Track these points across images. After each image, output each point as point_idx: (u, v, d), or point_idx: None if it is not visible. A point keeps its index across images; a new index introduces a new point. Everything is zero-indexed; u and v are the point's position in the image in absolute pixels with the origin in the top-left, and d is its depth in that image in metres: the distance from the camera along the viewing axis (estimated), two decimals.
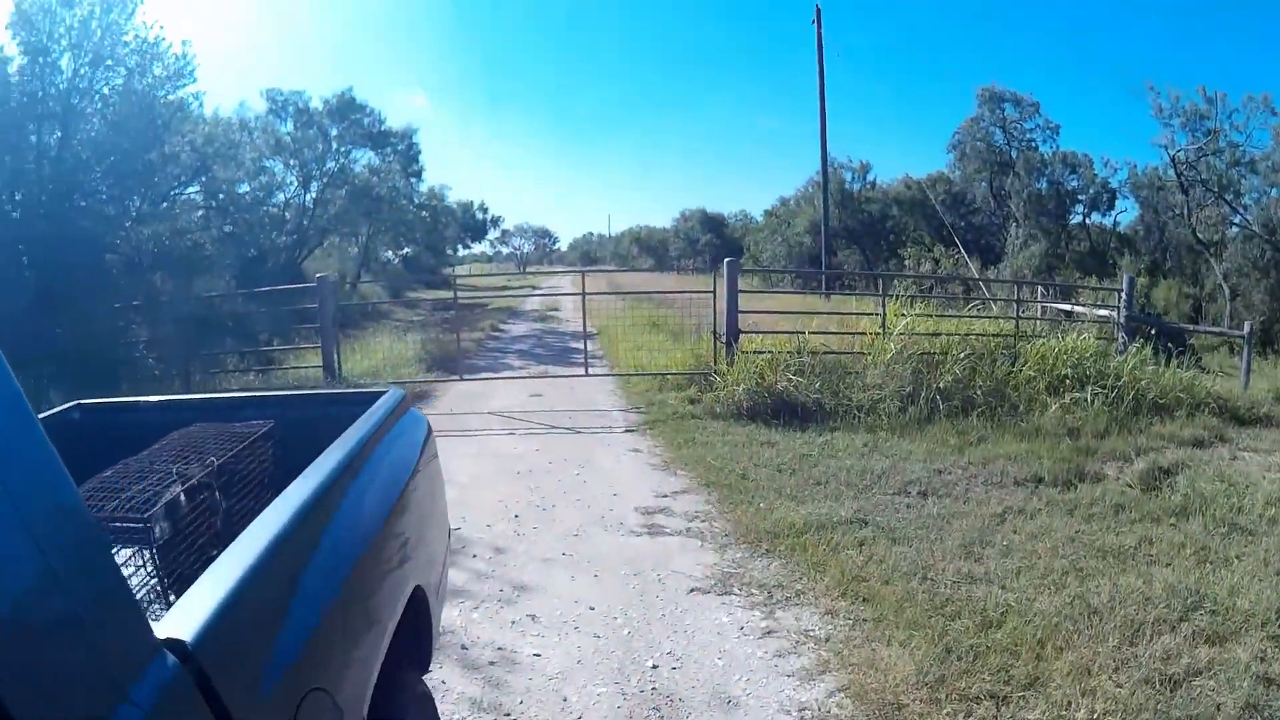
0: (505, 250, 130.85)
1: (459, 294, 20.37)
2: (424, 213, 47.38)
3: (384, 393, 4.14)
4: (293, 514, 2.46)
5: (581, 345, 16.57)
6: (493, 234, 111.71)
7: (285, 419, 3.99)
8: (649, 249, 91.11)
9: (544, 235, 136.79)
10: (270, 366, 16.11)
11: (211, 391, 13.96)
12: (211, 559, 2.29)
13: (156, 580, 2.86)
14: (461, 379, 15.64)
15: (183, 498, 3.06)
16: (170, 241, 17.14)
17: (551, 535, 7.81)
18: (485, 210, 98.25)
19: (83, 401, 4.23)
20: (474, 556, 7.30)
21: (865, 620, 5.73)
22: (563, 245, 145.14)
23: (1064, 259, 43.07)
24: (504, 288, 48.86)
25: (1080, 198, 47.72)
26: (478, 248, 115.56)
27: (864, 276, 35.77)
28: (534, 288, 49.69)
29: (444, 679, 5.22)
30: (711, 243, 77.22)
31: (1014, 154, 47.89)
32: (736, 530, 7.62)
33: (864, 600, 6.01)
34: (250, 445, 3.58)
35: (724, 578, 6.57)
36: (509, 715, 4.83)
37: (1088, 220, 48.13)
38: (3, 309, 12.87)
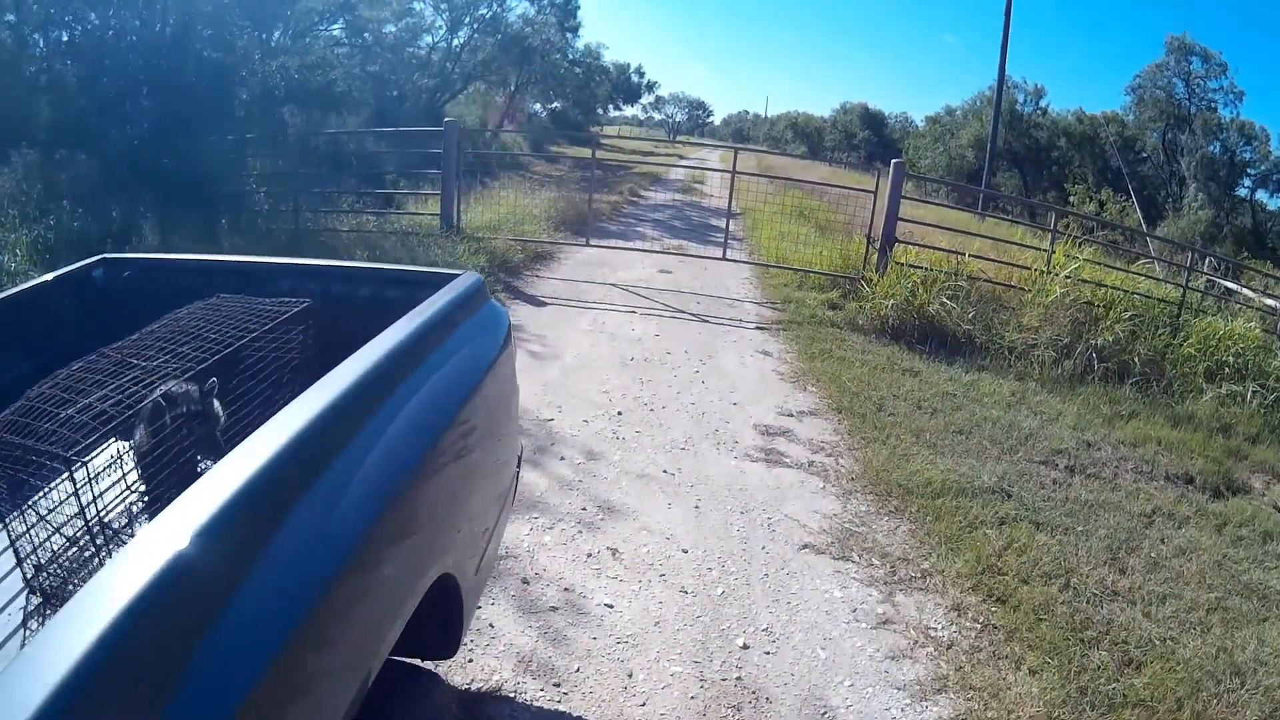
0: (657, 117, 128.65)
1: (604, 155, 19.37)
2: (577, 69, 45.82)
3: (456, 275, 3.32)
4: (256, 472, 1.69)
5: (722, 224, 15.26)
6: (646, 99, 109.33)
7: (330, 297, 3.30)
8: (804, 136, 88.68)
9: (698, 107, 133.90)
10: (387, 210, 15.15)
11: (320, 231, 13.49)
12: (199, 475, 1.72)
13: (87, 534, 2.17)
14: (588, 244, 14.68)
15: (163, 404, 2.40)
16: (300, 76, 16.30)
17: (655, 444, 6.94)
18: (641, 74, 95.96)
19: (108, 256, 3.67)
20: (561, 459, 6.48)
21: (996, 628, 4.73)
22: (716, 120, 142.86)
23: (1221, 230, 40.87)
24: (650, 153, 47.55)
25: (1250, 172, 45.46)
26: (629, 111, 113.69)
27: (1033, 205, 34.02)
28: (681, 157, 48.53)
29: (493, 622, 4.41)
30: (868, 139, 75.07)
31: (1192, 110, 45.77)
32: (865, 474, 6.62)
33: (998, 600, 4.99)
34: (272, 331, 2.82)
35: (843, 536, 5.60)
36: (558, 686, 3.99)
37: (1254, 197, 45.88)
38: (116, 140, 12.34)
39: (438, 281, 3.22)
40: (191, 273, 3.74)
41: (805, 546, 5.44)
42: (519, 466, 3.85)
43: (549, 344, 9.47)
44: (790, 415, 7.85)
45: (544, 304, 11.36)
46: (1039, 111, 53.33)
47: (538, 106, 50.90)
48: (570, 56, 43.87)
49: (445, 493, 2.59)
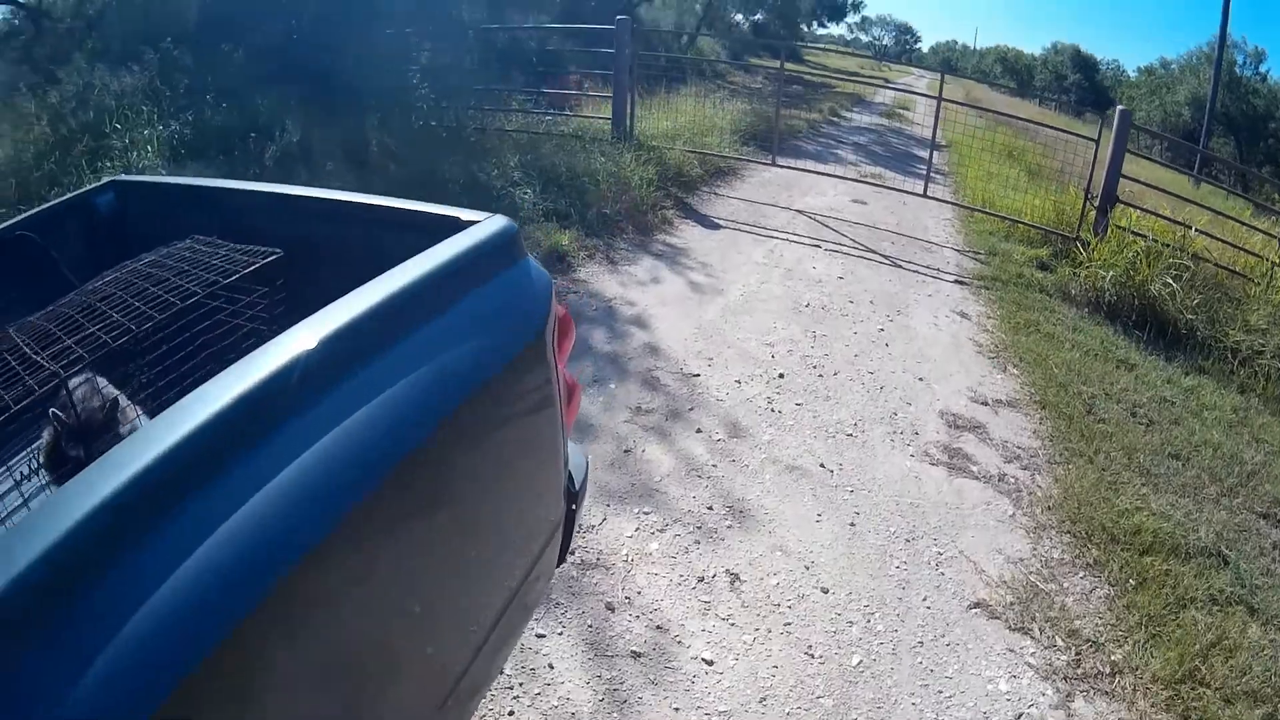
0: (864, 39, 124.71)
1: (804, 70, 17.86)
2: None
3: (475, 222, 2.29)
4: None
5: (926, 154, 13.32)
6: (852, 18, 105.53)
7: (316, 240, 2.47)
8: (1012, 72, 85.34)
9: (905, 32, 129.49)
10: (553, 112, 13.61)
11: (482, 129, 12.36)
12: None
13: None
14: (774, 162, 13.05)
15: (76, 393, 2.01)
16: None
17: (816, 424, 5.71)
18: None
19: (118, 179, 3.15)
20: (697, 432, 5.35)
21: None
22: (924, 47, 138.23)
23: None
24: (855, 74, 45.21)
25: None
26: (835, 29, 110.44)
27: (1259, 177, 31.04)
28: (887, 81, 46.16)
29: (554, 661, 3.40)
30: (1079, 83, 72.00)
31: None
32: (1065, 503, 5.18)
33: None
34: (222, 293, 2.18)
35: (1027, 595, 4.27)
36: None
37: None
38: (271, 34, 11.59)
39: (448, 228, 2.20)
40: (199, 201, 3.03)
41: (976, 605, 4.15)
42: (572, 508, 2.71)
43: (714, 275, 8.32)
44: (985, 404, 6.44)
45: (717, 226, 10.14)
46: (1258, 77, 49.64)
47: (739, 17, 48.80)
48: None
49: (362, 617, 1.64)
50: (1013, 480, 5.40)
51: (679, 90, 16.51)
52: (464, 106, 12.71)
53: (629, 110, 12.28)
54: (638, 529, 4.30)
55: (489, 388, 2.01)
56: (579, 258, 8.40)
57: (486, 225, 2.23)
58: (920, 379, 6.68)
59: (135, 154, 8.67)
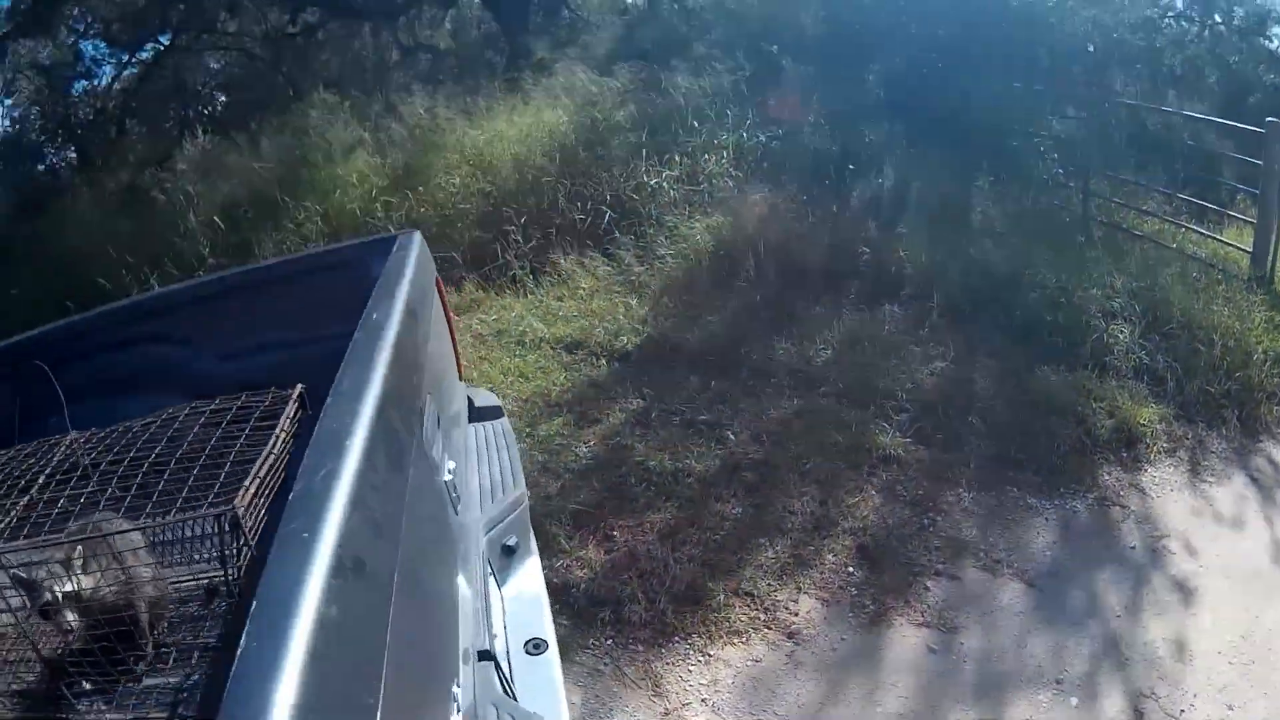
0: None
1: None
2: None
3: None
4: None
5: None
6: None
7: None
8: None
9: None
10: (1189, 226, 9.74)
11: (1105, 223, 9.73)
12: None
13: None
14: None
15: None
16: (1119, 35, 12.11)
17: None
18: None
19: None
20: None
21: None
22: None
23: None
24: None
25: None
26: None
27: None
28: None
29: None
30: None
31: None
32: None
33: None
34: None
35: None
36: None
37: None
38: (893, 65, 9.68)
39: None
40: None
41: None
42: None
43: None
44: None
45: None
46: None
47: None
48: None
49: None
50: None
51: None
52: (1093, 193, 10.17)
53: (1272, 246, 8.48)
54: None
55: None
56: (1155, 451, 5.45)
57: None
58: None
59: (708, 156, 8.15)
